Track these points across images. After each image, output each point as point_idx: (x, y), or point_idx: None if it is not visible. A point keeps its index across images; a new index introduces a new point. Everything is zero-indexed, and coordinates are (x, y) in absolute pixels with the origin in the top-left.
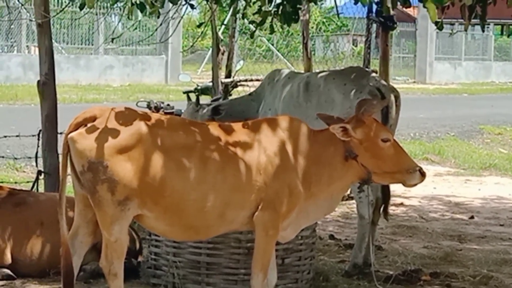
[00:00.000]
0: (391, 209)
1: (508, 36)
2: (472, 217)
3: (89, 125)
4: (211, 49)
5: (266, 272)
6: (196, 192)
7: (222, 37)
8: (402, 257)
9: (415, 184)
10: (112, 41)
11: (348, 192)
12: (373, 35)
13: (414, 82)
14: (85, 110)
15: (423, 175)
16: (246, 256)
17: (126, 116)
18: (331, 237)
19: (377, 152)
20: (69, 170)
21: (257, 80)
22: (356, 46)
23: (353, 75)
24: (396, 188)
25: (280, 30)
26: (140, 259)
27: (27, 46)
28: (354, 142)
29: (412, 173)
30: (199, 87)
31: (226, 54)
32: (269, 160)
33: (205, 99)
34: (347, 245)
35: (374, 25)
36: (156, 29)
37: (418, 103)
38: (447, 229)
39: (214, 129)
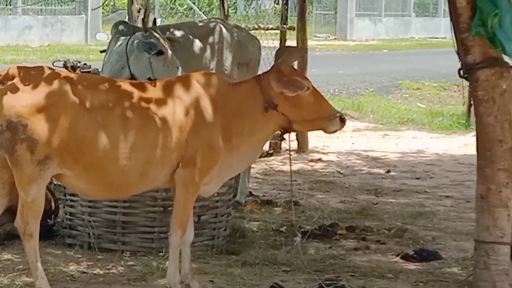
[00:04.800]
0: (310, 165)
1: None
2: (388, 171)
3: (7, 83)
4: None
5: (185, 229)
6: (116, 150)
7: None
8: (319, 212)
9: (336, 131)
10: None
11: (267, 148)
12: None
13: (335, 38)
14: (2, 68)
15: (343, 121)
16: (162, 214)
17: (45, 75)
18: (250, 193)
19: (297, 101)
20: None
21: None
22: (278, 3)
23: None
24: (315, 144)
25: None
26: (55, 220)
27: None
28: (274, 92)
29: (332, 120)
30: None
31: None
32: (188, 117)
33: None
34: (264, 202)
35: None
36: None
37: (338, 60)
38: (364, 183)
39: (133, 87)
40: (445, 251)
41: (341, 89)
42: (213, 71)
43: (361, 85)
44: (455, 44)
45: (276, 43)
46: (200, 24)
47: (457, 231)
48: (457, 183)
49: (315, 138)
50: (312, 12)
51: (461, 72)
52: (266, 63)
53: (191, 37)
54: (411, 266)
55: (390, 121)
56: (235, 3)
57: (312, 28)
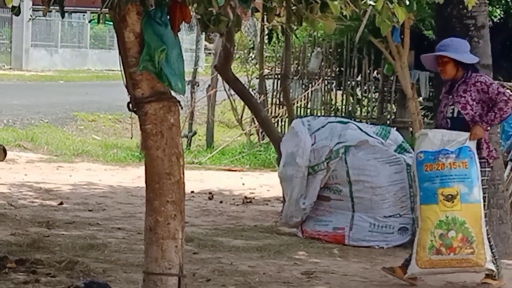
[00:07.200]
0: None
1: (104, 24)
2: (61, 203)
3: None
4: None
5: None
6: None
7: None
8: None
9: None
10: None
11: None
12: None
13: (11, 68)
14: None
15: (5, 152)
16: None
17: None
18: None
19: None
20: None
21: None
22: None
23: None
24: None
25: None
26: None
27: None
28: None
29: None
30: None
31: None
32: None
33: None
34: None
35: None
36: None
37: (13, 90)
38: (35, 215)
39: None
40: (116, 283)
41: (15, 119)
42: None
43: (35, 116)
44: (124, 78)
45: None
46: None
47: (128, 262)
48: (129, 215)
49: None
50: None
51: (130, 105)
52: None
53: None
54: None
55: (65, 153)
56: None
57: None
